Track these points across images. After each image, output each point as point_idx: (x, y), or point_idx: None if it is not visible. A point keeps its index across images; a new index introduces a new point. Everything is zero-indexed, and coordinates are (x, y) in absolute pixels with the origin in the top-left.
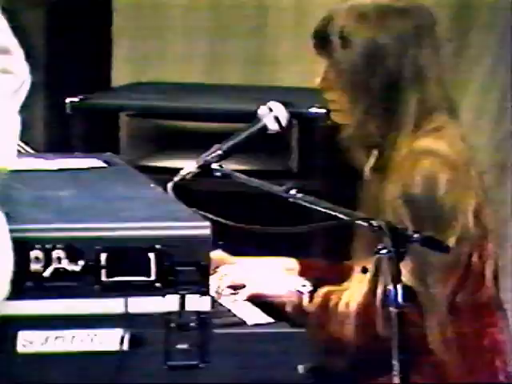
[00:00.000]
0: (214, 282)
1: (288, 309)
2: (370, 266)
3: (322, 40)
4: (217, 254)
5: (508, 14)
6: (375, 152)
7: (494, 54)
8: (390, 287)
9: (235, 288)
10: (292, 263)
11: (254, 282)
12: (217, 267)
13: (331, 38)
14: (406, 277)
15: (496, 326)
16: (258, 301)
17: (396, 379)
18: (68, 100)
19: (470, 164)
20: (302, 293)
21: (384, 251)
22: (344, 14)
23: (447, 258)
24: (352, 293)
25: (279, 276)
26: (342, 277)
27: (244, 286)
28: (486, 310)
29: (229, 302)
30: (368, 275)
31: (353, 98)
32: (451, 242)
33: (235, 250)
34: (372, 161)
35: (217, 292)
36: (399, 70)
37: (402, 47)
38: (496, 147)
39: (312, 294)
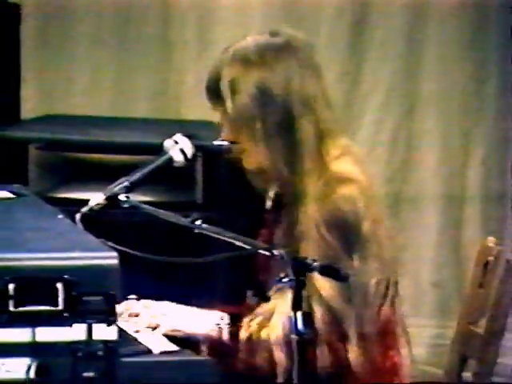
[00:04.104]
0: (130, 322)
1: (205, 346)
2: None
3: (214, 92)
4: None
5: (402, 46)
6: (275, 183)
7: (386, 85)
8: (291, 315)
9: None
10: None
11: (169, 319)
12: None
13: (221, 88)
14: (333, 298)
15: (396, 348)
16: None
17: None
18: None
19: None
20: (221, 327)
21: (286, 279)
22: (229, 61)
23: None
24: (272, 323)
25: (195, 312)
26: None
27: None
28: (387, 332)
29: (134, 331)
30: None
31: (252, 141)
32: (372, 266)
33: (144, 281)
34: (272, 192)
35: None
36: (289, 104)
37: (288, 82)
38: (389, 178)
39: (230, 327)
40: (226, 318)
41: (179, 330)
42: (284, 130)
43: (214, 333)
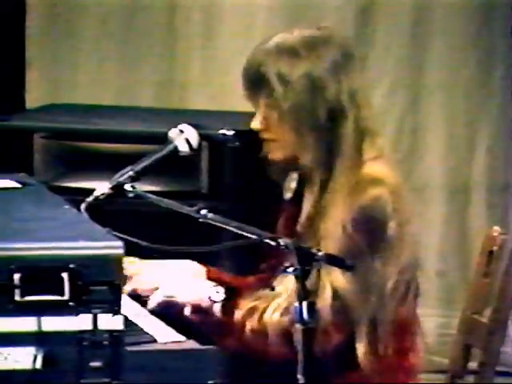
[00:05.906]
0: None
1: (192, 314)
2: (277, 284)
3: (256, 82)
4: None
5: (407, 36)
6: (295, 175)
7: (392, 75)
8: (296, 304)
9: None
10: (198, 267)
11: (165, 287)
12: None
13: (268, 79)
14: (346, 291)
15: (413, 349)
16: (169, 311)
17: None
18: None
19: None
20: (213, 301)
21: (290, 269)
22: (274, 53)
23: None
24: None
25: (191, 280)
26: (247, 288)
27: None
28: (405, 332)
29: (140, 318)
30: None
31: (299, 133)
32: (393, 268)
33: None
34: (294, 183)
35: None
36: (337, 97)
37: (336, 75)
38: (395, 167)
39: (224, 302)
40: (222, 291)
41: (172, 300)
42: (327, 125)
43: (204, 304)
